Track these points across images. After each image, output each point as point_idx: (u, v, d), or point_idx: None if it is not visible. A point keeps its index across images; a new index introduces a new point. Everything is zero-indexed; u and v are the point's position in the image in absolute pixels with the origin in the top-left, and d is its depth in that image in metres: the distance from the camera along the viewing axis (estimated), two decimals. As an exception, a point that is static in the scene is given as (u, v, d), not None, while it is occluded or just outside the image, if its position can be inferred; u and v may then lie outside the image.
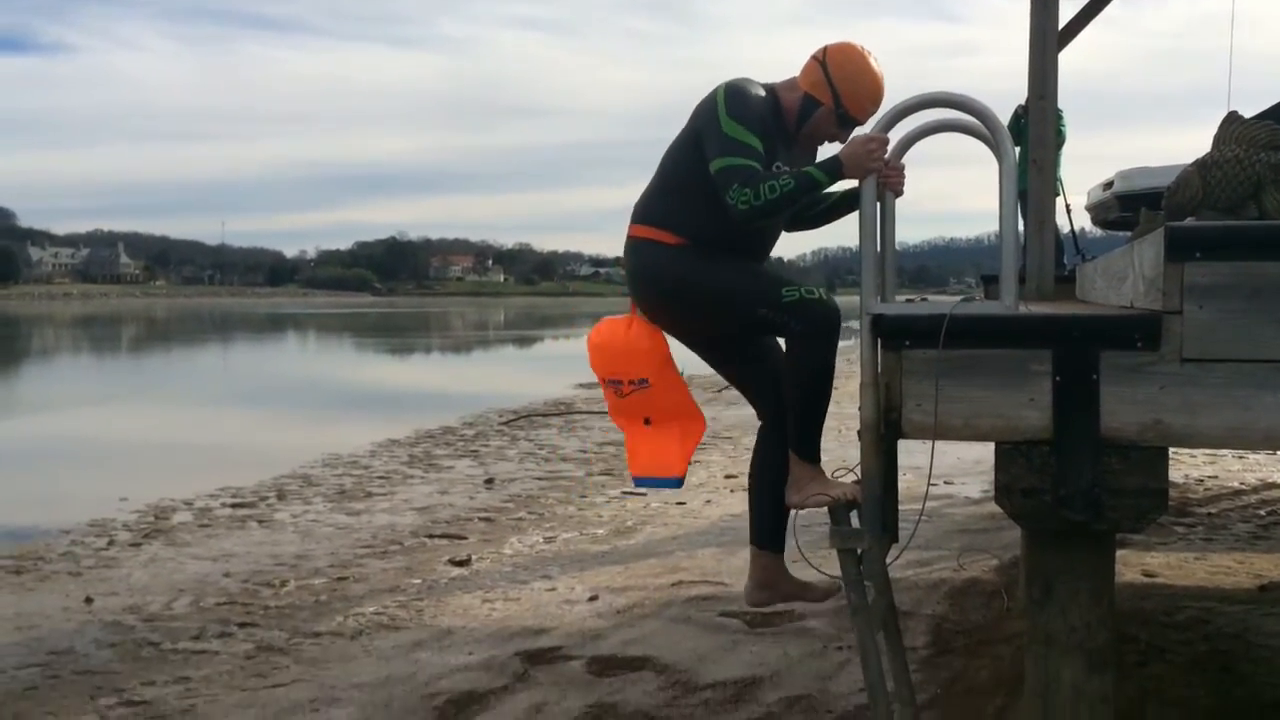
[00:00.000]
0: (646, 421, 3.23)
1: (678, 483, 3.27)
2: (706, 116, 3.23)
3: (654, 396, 3.21)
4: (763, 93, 3.26)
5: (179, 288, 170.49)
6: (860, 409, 2.94)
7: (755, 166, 3.10)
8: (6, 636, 6.24)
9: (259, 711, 4.93)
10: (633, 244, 3.44)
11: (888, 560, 3.05)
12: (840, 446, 13.51)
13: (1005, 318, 2.86)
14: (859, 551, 2.87)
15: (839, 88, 3.25)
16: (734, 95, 3.20)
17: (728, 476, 11.86)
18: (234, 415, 19.21)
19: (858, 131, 3.27)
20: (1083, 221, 12.69)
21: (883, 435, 2.89)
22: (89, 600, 6.98)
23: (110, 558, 8.26)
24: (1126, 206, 10.15)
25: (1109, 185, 11.00)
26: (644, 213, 3.45)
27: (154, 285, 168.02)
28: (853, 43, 3.30)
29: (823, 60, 3.25)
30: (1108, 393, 2.66)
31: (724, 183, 3.11)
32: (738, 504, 10.16)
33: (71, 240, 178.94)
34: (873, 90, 3.26)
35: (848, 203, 3.37)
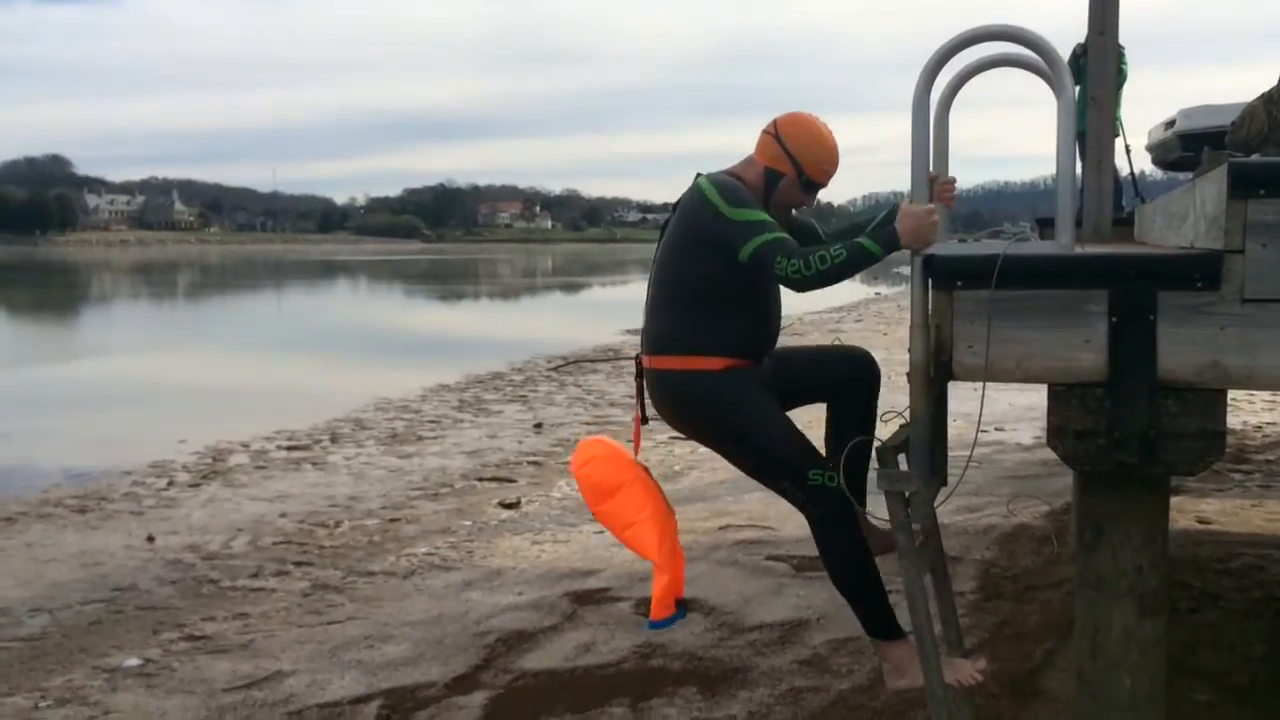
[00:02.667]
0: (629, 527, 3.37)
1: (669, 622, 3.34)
2: (704, 217, 3.17)
3: (628, 499, 3.38)
4: (732, 179, 3.26)
5: (232, 234, 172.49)
6: (910, 351, 2.90)
7: (785, 237, 3.09)
8: (72, 573, 6.44)
9: (315, 647, 5.05)
10: (666, 377, 3.33)
11: (936, 504, 3.03)
12: (889, 392, 13.44)
13: (1061, 257, 2.79)
14: (906, 495, 2.85)
15: (798, 157, 3.26)
16: (721, 187, 3.17)
17: (776, 422, 11.85)
18: (287, 360, 19.50)
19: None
20: (1142, 164, 12.38)
21: (932, 378, 2.85)
22: (151, 539, 7.18)
23: (170, 498, 8.47)
24: (1189, 146, 9.86)
25: (1170, 124, 10.69)
26: (668, 342, 3.29)
27: (208, 232, 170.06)
28: (799, 112, 3.33)
29: (776, 134, 3.27)
30: (1165, 333, 2.60)
31: (765, 260, 3.05)
32: (785, 449, 10.16)
33: (127, 188, 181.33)
34: (830, 153, 3.31)
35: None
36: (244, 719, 4.25)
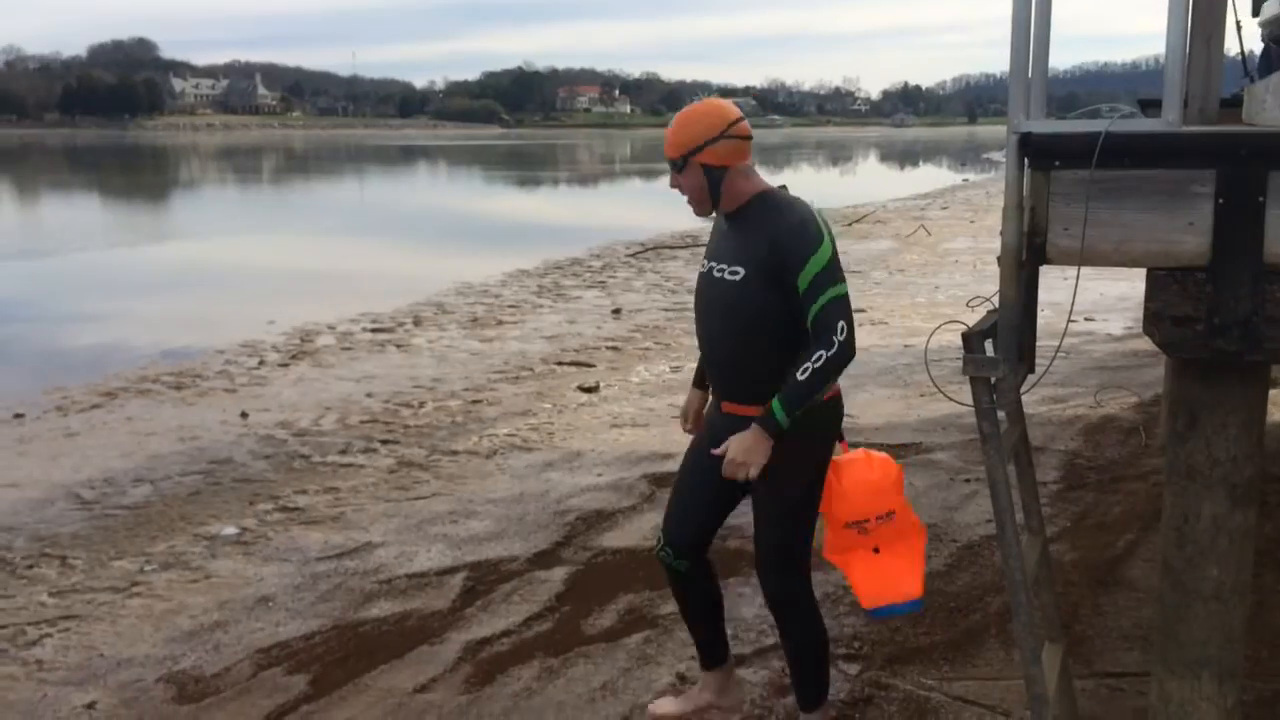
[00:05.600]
0: (876, 550, 2.94)
1: (919, 604, 2.98)
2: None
3: (897, 525, 2.94)
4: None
5: (314, 119, 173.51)
6: (1001, 234, 2.81)
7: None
8: (171, 446, 6.71)
9: (402, 521, 5.23)
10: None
11: (1022, 392, 2.97)
12: (975, 281, 13.15)
13: (1167, 135, 2.65)
14: (992, 380, 2.80)
15: (712, 145, 2.87)
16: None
17: (856, 310, 11.71)
18: (370, 244, 19.75)
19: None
20: (1253, 43, 11.70)
21: (1024, 261, 2.76)
22: (244, 415, 7.43)
23: (261, 376, 8.73)
24: (1307, 22, 9.26)
25: (1289, -2, 10.04)
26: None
27: (290, 116, 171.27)
28: (683, 116, 2.96)
29: (699, 149, 2.87)
30: (1275, 217, 2.47)
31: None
32: (864, 337, 10.05)
33: (210, 71, 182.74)
34: (716, 109, 2.94)
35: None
36: (336, 586, 4.43)
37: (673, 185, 3.01)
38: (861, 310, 11.72)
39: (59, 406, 7.71)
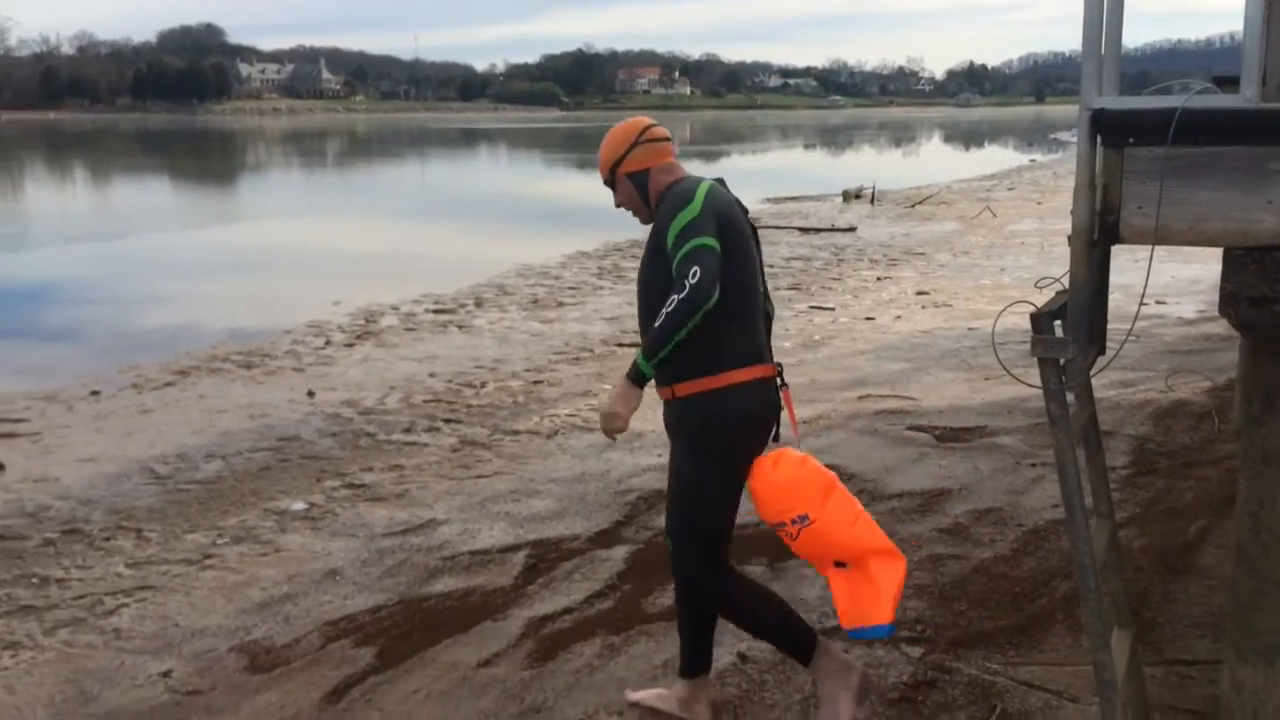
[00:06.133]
0: (839, 565, 2.87)
1: (889, 630, 2.87)
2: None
3: (824, 532, 2.82)
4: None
5: (377, 103, 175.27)
6: (1072, 214, 2.76)
7: None
8: (241, 423, 6.86)
9: (465, 499, 5.29)
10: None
11: (1091, 374, 2.92)
12: (1042, 263, 12.92)
13: (1245, 111, 2.58)
14: (1062, 361, 2.76)
15: (629, 153, 3.07)
16: None
17: (919, 293, 11.59)
18: (432, 226, 19.95)
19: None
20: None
21: (1096, 240, 2.71)
22: (311, 394, 7.57)
23: (327, 356, 8.88)
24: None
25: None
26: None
27: (354, 100, 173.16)
28: (605, 140, 3.15)
29: (620, 160, 3.08)
30: (1359, 195, 2.40)
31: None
32: (928, 320, 9.95)
33: (276, 56, 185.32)
34: (628, 124, 3.16)
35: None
36: (401, 562, 4.51)
37: (617, 206, 3.19)
38: (925, 293, 11.59)
39: (134, 384, 7.92)
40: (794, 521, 2.83)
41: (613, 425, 2.88)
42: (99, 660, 3.72)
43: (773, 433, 3.01)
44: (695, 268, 2.74)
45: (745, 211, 3.06)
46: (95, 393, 7.65)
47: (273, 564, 4.54)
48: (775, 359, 3.07)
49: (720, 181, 3.10)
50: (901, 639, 3.58)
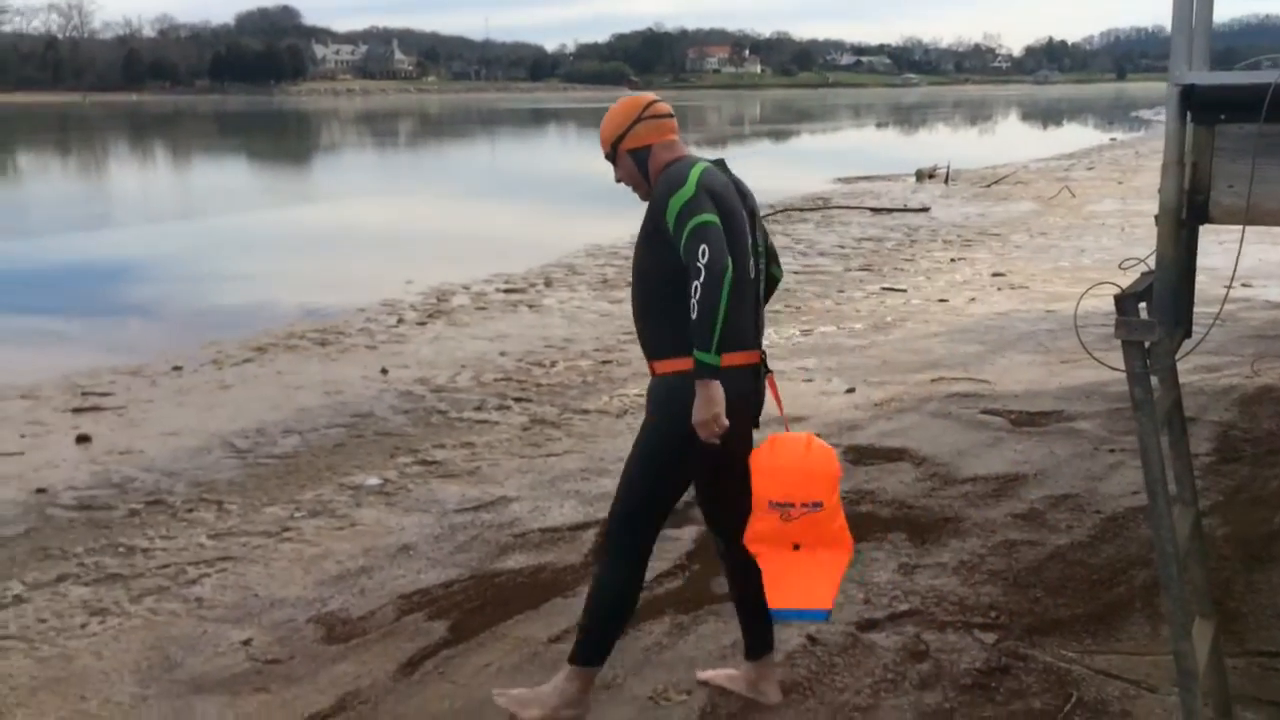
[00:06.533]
0: (795, 547, 2.86)
1: (825, 615, 2.91)
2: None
3: (820, 521, 2.82)
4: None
5: (448, 83, 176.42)
6: (1160, 192, 2.68)
7: None
8: (317, 399, 6.99)
9: (535, 476, 5.34)
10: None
11: (1176, 358, 2.85)
12: (1123, 244, 12.60)
13: (1346, 87, 2.49)
14: (1146, 345, 2.69)
15: (632, 129, 3.08)
16: None
17: (994, 274, 11.39)
18: (501, 206, 20.08)
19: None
20: None
21: (1183, 220, 2.64)
22: (384, 371, 7.68)
23: (400, 334, 9.01)
24: None
25: None
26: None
27: (426, 81, 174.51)
28: (606, 115, 3.16)
29: (622, 136, 3.09)
30: None
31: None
32: (1003, 302, 9.78)
33: (350, 38, 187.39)
34: (631, 101, 3.16)
35: None
36: (473, 538, 4.57)
37: (617, 181, 3.21)
38: (1001, 274, 11.39)
39: (214, 360, 8.11)
40: (804, 505, 2.81)
41: (714, 430, 2.80)
42: (182, 628, 3.84)
43: (754, 419, 3.04)
44: (703, 245, 2.76)
45: (746, 195, 3.08)
46: (177, 368, 7.86)
47: (348, 538, 4.63)
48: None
49: (720, 163, 3.10)
50: (975, 624, 3.54)
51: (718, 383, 2.78)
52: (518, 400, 6.89)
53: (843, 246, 13.66)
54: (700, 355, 2.75)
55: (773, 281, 3.18)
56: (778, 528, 2.84)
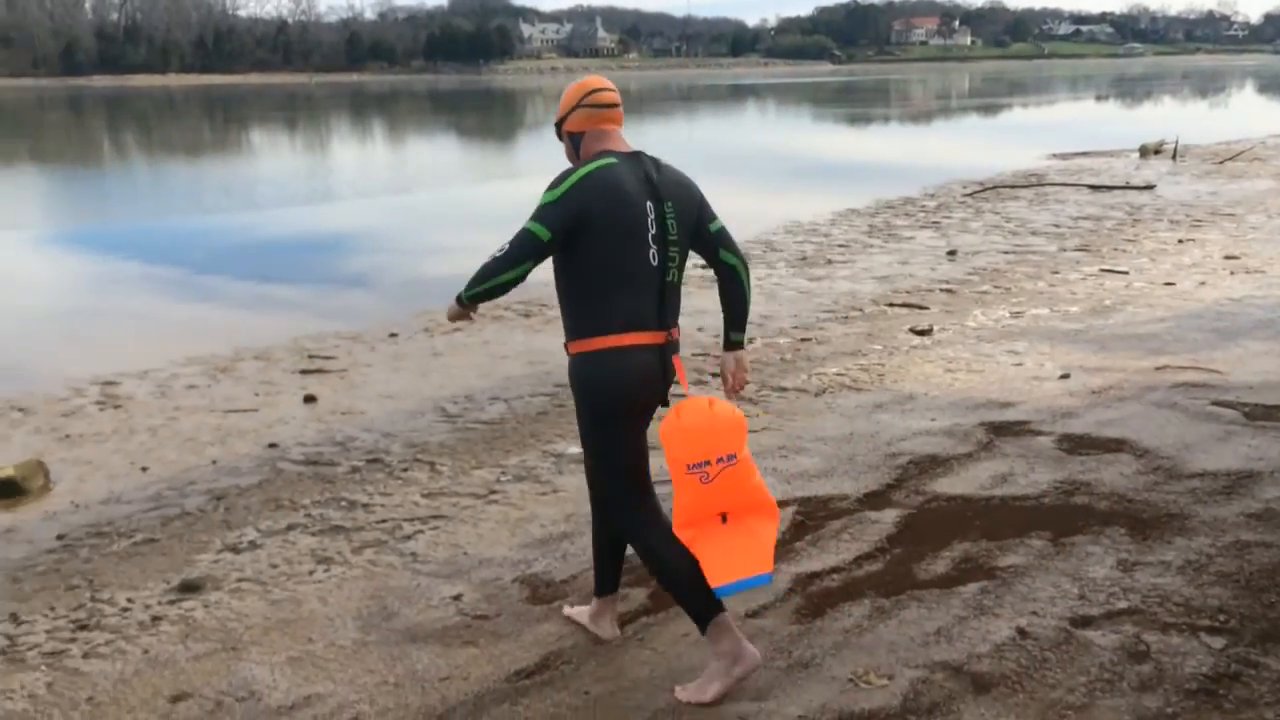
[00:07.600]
0: (724, 519, 2.93)
1: (768, 578, 2.95)
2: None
3: (739, 475, 2.91)
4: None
5: (649, 60, 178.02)
6: None
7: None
8: (521, 368, 7.22)
9: (733, 452, 5.33)
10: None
11: None
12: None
13: None
14: None
15: (572, 113, 3.28)
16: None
17: (1227, 257, 10.61)
18: (699, 182, 20.04)
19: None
20: None
21: None
22: (585, 343, 7.84)
23: (601, 308, 9.16)
24: None
25: None
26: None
27: (627, 58, 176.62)
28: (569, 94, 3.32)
29: (564, 119, 3.30)
30: None
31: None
32: (1237, 286, 9.10)
33: (555, 17, 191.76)
34: (581, 83, 3.33)
35: None
36: (669, 511, 4.61)
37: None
38: (1234, 257, 10.61)
39: (426, 329, 8.50)
40: (720, 460, 2.89)
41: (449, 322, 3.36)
42: (399, 580, 4.05)
43: (663, 396, 3.20)
44: (515, 239, 3.08)
45: (660, 187, 3.15)
46: (393, 335, 8.27)
47: (551, 503, 4.77)
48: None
49: (636, 156, 3.18)
50: (1201, 627, 3.32)
51: (454, 304, 3.27)
52: (715, 375, 6.90)
53: (1058, 225, 13.02)
54: (463, 291, 3.21)
55: (731, 269, 3.35)
56: (701, 493, 2.92)
